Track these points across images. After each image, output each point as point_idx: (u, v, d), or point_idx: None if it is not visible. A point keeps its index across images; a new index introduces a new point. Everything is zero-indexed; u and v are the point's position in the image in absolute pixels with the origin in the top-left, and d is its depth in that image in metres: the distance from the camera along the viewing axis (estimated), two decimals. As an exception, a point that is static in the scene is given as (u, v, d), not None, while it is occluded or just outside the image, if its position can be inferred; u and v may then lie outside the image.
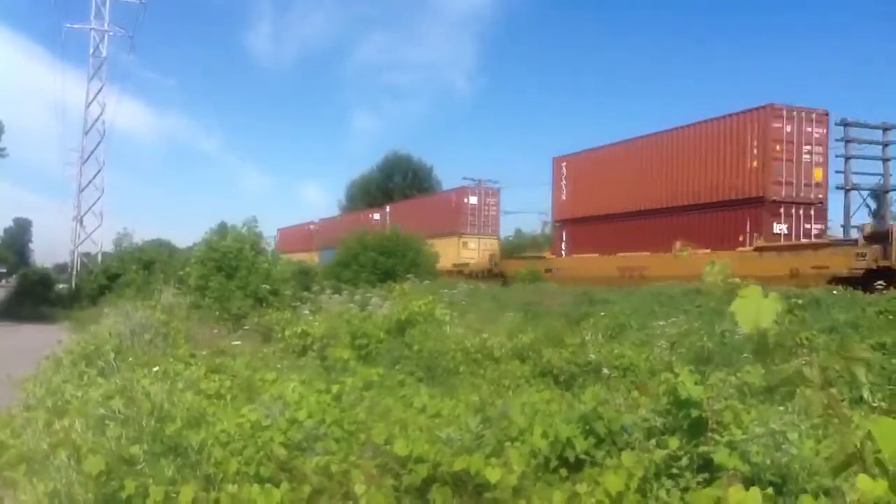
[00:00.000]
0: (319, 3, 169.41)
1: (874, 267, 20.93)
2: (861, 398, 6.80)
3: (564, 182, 37.05)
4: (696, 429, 3.99)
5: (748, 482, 3.59)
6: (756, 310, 2.63)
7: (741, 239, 26.36)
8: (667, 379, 4.45)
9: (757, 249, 25.21)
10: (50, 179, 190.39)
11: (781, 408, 4.73)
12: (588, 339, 11.44)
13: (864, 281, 20.18)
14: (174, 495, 3.92)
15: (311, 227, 66.42)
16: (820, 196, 27.24)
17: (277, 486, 3.95)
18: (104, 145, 39.98)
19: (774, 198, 26.06)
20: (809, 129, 26.53)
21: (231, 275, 19.04)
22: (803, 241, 25.66)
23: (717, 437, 3.85)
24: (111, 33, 39.63)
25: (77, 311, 27.20)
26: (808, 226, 26.74)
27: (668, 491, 3.65)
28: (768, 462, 3.67)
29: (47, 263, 68.87)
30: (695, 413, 4.05)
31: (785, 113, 26.32)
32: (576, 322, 16.05)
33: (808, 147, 26.44)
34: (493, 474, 3.84)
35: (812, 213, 26.90)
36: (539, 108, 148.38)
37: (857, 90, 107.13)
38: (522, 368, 9.86)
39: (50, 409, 6.66)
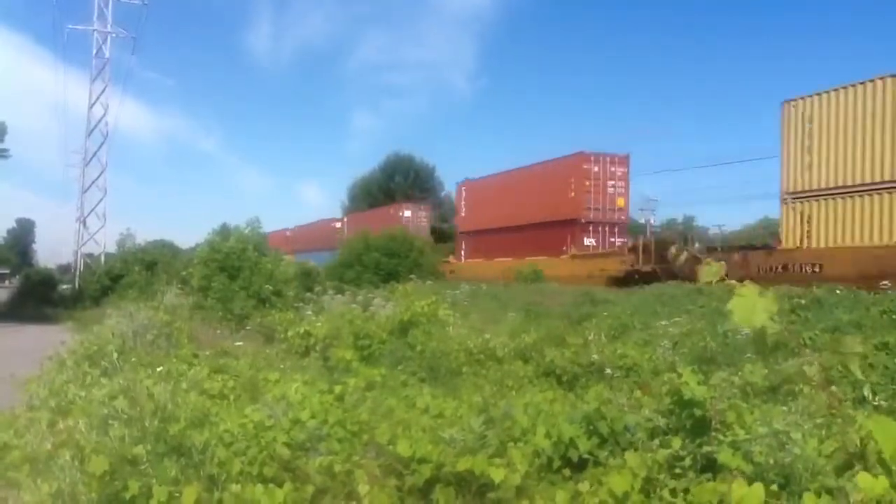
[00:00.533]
0: (319, 3, 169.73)
1: (630, 269, 29.87)
2: (864, 398, 6.80)
3: (463, 202, 48.95)
4: (700, 429, 3.99)
5: (751, 482, 3.59)
6: (752, 307, 2.70)
7: (564, 249, 36.16)
8: (670, 379, 4.45)
9: (572, 257, 35.38)
10: (52, 180, 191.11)
11: (784, 407, 4.72)
12: (591, 339, 11.44)
13: (625, 278, 29.23)
14: (178, 495, 3.92)
15: (288, 233, 73.04)
16: (622, 217, 38.15)
17: (281, 486, 3.96)
18: (107, 146, 40.09)
19: (585, 219, 36.74)
20: (613, 169, 37.14)
21: (234, 275, 19.05)
22: (603, 250, 35.45)
23: (720, 436, 3.84)
24: (113, 34, 39.73)
25: (80, 311, 27.20)
26: (612, 239, 36.80)
27: (671, 491, 3.65)
28: (771, 462, 3.66)
29: (50, 264, 69.10)
30: (698, 413, 4.05)
31: (593, 158, 36.92)
32: (578, 322, 16.06)
33: (612, 182, 37.20)
34: (497, 474, 3.84)
35: (616, 230, 37.43)
36: (539, 108, 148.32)
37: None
38: (525, 369, 9.86)
39: (53, 409, 6.67)
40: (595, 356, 9.78)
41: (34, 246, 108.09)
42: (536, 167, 40.61)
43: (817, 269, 22.16)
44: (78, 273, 39.36)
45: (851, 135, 22.46)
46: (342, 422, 5.15)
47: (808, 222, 23.66)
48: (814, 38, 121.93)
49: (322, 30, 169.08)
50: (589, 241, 36.59)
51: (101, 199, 39.71)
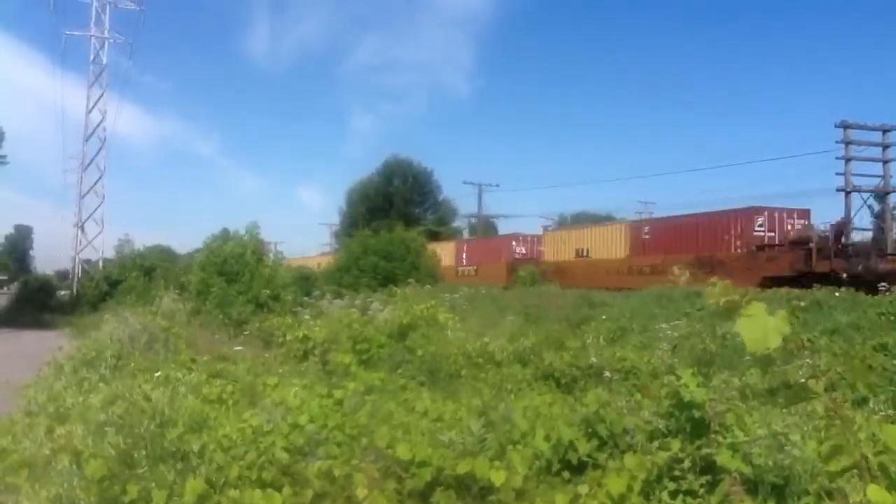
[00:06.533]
0: (315, 6, 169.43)
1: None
2: (863, 399, 6.80)
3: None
4: (699, 431, 3.99)
5: (751, 484, 3.59)
6: (762, 329, 2.47)
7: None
8: (669, 381, 4.45)
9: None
10: (50, 186, 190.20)
11: (784, 410, 4.72)
12: (589, 342, 11.44)
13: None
14: (176, 498, 3.92)
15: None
16: None
17: (279, 490, 3.95)
18: (104, 152, 40.11)
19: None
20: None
21: (232, 279, 19.03)
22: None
23: (719, 438, 3.84)
24: (111, 40, 39.81)
25: (78, 317, 27.15)
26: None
27: (671, 493, 3.64)
28: (771, 464, 3.66)
29: (48, 270, 69.17)
30: (697, 415, 4.05)
31: None
32: (576, 325, 16.06)
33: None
34: (498, 477, 3.83)
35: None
36: (537, 109, 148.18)
37: (857, 91, 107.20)
38: (524, 372, 9.84)
39: (51, 414, 6.67)
40: (594, 359, 9.77)
41: (32, 252, 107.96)
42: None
43: None
44: (76, 279, 39.32)
45: None
46: (341, 426, 5.14)
47: None
48: (815, 39, 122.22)
49: (319, 32, 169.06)
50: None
51: (99, 205, 39.78)
